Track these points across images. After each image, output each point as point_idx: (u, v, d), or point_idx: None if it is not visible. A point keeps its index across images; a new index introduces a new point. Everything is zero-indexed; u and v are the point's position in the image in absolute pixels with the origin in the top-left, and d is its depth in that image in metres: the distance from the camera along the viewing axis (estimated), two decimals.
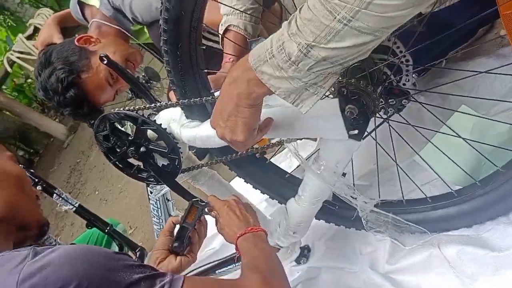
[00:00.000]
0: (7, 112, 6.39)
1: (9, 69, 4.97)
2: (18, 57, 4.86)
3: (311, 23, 0.66)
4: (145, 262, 1.12)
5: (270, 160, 1.30)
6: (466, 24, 1.11)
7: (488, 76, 1.26)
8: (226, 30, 1.37)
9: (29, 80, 6.18)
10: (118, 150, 1.21)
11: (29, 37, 4.92)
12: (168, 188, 1.27)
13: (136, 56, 1.68)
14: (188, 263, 1.09)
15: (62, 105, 1.56)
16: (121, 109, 1.12)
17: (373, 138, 1.15)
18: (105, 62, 1.20)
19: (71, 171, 4.33)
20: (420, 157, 1.17)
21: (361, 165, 1.43)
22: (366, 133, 1.02)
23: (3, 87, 5.71)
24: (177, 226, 1.12)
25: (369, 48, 0.68)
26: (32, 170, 1.73)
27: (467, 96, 1.23)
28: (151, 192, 1.47)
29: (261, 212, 1.38)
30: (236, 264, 1.45)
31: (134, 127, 1.15)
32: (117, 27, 1.67)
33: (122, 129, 1.19)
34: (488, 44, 1.43)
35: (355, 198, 1.15)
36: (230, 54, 1.36)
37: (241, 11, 1.34)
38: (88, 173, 4.13)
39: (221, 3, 1.36)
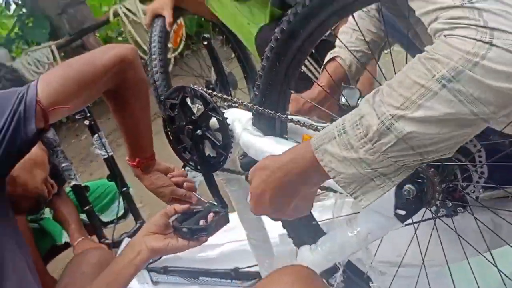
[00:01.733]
0: None
1: (111, 18, 5.24)
2: (124, 13, 5.14)
3: (401, 85, 0.59)
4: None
5: None
6: None
7: None
8: (331, 59, 1.39)
9: (120, 38, 6.47)
10: (177, 123, 1.24)
11: (143, 0, 5.19)
12: (201, 179, 1.28)
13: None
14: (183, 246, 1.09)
15: None
16: (200, 88, 1.15)
17: (414, 229, 1.12)
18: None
19: (114, 130, 4.43)
20: (450, 271, 1.13)
21: (386, 249, 1.39)
22: (410, 220, 1.01)
23: (96, 33, 5.98)
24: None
25: (459, 134, 0.59)
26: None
27: None
28: None
29: (271, 244, 1.36)
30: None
31: (202, 109, 1.17)
32: None
33: (191, 105, 1.21)
34: None
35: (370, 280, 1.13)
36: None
37: (353, 50, 1.36)
38: None
39: (338, 38, 1.39)
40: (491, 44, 0.54)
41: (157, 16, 1.85)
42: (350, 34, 1.34)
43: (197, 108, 1.21)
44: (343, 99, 1.14)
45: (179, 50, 4.99)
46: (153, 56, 1.80)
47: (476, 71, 0.54)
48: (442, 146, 0.61)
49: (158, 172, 1.34)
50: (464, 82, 0.55)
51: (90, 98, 1.12)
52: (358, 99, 1.12)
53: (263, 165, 0.86)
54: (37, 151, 1.43)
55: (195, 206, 1.19)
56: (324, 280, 1.29)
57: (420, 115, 0.57)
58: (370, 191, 0.67)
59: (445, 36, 0.57)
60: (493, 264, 1.03)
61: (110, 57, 1.08)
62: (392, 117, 0.59)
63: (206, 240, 1.10)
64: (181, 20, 2.99)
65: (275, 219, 0.94)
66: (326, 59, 1.40)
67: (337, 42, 1.40)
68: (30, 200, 1.39)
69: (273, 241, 1.58)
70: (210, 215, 1.12)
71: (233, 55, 2.65)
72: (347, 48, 1.31)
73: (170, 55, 4.55)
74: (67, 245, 1.81)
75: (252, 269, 1.50)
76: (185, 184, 1.33)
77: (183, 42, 4.77)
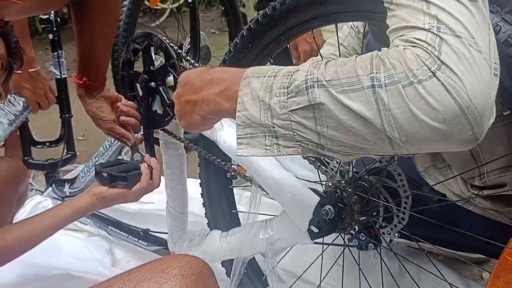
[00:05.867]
0: None
1: None
2: None
3: (343, 65, 0.60)
4: None
5: (233, 186, 1.27)
6: (469, 237, 1.11)
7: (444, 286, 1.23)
8: None
9: None
10: (134, 70, 1.20)
11: None
12: (141, 132, 1.24)
13: None
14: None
15: None
16: (167, 41, 1.12)
17: (322, 250, 1.13)
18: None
19: None
20: None
21: (293, 260, 1.39)
22: (321, 241, 1.01)
23: None
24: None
25: (361, 141, 0.59)
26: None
27: None
28: None
29: (187, 217, 1.34)
30: None
31: (163, 62, 1.14)
32: None
33: (153, 55, 1.17)
34: (467, 270, 1.43)
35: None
36: None
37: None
38: None
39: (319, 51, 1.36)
40: (434, 75, 0.53)
41: None
42: (336, 48, 1.33)
43: (159, 59, 1.18)
44: None
45: (179, 3, 4.82)
46: None
47: (407, 90, 0.54)
48: (340, 142, 0.60)
49: (104, 100, 1.22)
50: (391, 94, 0.55)
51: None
52: None
53: (188, 75, 0.81)
54: None
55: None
56: (225, 268, 1.29)
57: (339, 97, 0.58)
58: (255, 145, 0.66)
59: (403, 48, 0.56)
60: None
61: None
62: (317, 81, 0.59)
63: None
64: None
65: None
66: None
67: (322, 52, 1.38)
68: None
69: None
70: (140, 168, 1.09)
71: (227, 29, 2.62)
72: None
73: (168, 5, 4.38)
74: None
75: (162, 236, 1.48)
76: (129, 118, 1.19)
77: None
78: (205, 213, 1.28)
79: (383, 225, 1.00)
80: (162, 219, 1.43)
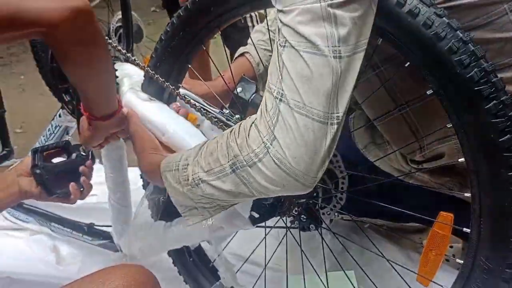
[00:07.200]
0: None
1: None
2: None
3: (212, 157, 0.76)
4: None
5: None
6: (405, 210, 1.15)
7: (384, 262, 1.28)
8: (241, 55, 1.36)
9: None
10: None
11: None
12: (75, 126, 1.20)
13: None
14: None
15: None
16: None
17: (265, 233, 1.14)
18: None
19: (19, 42, 4.08)
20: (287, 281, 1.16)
21: (240, 244, 1.40)
22: (263, 225, 1.02)
23: None
24: None
25: (247, 200, 0.84)
26: None
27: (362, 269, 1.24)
28: (59, 116, 1.39)
29: (130, 210, 1.32)
30: None
31: None
32: None
33: None
34: (408, 240, 1.48)
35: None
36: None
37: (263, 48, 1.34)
38: (32, 57, 3.90)
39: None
40: (268, 151, 0.68)
41: None
42: (264, 33, 1.32)
43: None
44: (239, 89, 1.11)
45: None
46: None
47: (253, 169, 0.70)
48: (237, 202, 0.83)
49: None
50: (246, 173, 0.71)
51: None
52: (253, 95, 1.10)
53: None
54: None
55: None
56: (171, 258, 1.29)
57: (215, 184, 0.75)
58: (194, 215, 0.84)
59: (252, 123, 0.71)
60: (325, 286, 1.08)
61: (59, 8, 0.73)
62: (200, 179, 0.77)
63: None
64: None
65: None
66: (237, 54, 1.37)
67: (252, 39, 1.37)
68: None
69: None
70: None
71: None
72: (254, 46, 1.29)
73: None
74: None
75: (107, 229, 1.45)
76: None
77: None
78: (148, 205, 1.26)
79: (322, 206, 1.02)
80: (106, 212, 1.39)
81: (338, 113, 0.67)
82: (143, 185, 1.26)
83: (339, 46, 0.65)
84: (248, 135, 0.71)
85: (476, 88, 0.73)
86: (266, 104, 0.70)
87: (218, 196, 0.77)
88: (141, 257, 1.21)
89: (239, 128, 0.74)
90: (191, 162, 0.80)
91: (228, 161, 0.73)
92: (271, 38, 1.26)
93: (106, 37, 1.07)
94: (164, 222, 1.17)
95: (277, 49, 0.69)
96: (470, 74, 0.73)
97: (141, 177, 1.24)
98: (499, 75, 0.75)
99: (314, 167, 0.68)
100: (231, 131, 0.75)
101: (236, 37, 1.80)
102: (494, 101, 0.73)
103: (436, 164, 1.12)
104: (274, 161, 0.68)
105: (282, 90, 0.67)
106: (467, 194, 0.83)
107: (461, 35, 0.73)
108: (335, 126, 0.68)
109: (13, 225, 1.63)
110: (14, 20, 0.70)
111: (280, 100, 0.67)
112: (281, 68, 0.68)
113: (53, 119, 1.42)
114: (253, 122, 0.71)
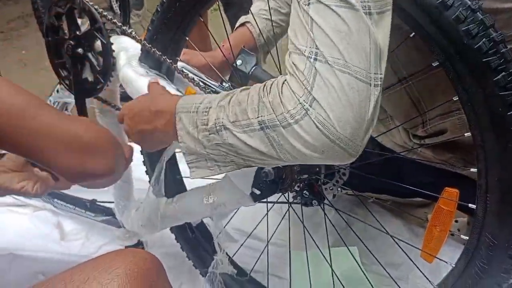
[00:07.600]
0: None
1: None
2: None
3: (240, 105, 0.68)
4: None
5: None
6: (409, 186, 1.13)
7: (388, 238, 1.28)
8: (242, 24, 1.32)
9: None
10: (59, 35, 1.11)
11: None
12: (73, 102, 1.18)
13: None
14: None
15: None
16: (90, 3, 1.04)
17: (266, 210, 1.13)
18: None
19: (19, 17, 4.03)
20: (290, 256, 1.16)
21: (243, 219, 1.40)
22: (265, 202, 1.01)
23: None
24: None
25: (272, 164, 0.70)
26: None
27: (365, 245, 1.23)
28: (57, 91, 1.36)
29: (132, 186, 1.31)
30: None
31: (89, 27, 1.06)
32: None
33: (78, 20, 1.09)
34: (413, 216, 1.47)
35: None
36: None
37: (264, 18, 1.30)
38: (33, 31, 3.85)
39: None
40: (307, 113, 0.60)
41: None
42: (266, 3, 1.27)
43: (84, 23, 1.10)
44: (238, 62, 1.08)
45: None
46: None
47: (288, 130, 0.62)
48: (257, 162, 0.71)
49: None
50: (277, 134, 0.64)
51: None
52: (253, 67, 1.07)
53: (133, 108, 0.90)
54: None
55: None
56: (174, 234, 1.29)
57: (241, 137, 0.68)
58: (201, 168, 0.76)
59: (283, 82, 0.64)
60: (327, 262, 1.07)
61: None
62: (223, 125, 0.69)
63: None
64: None
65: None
66: (238, 23, 1.32)
67: (252, 9, 1.33)
68: None
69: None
70: None
71: None
72: (253, 16, 1.25)
73: None
74: None
75: (109, 205, 1.44)
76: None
77: None
78: (149, 181, 1.25)
79: (325, 181, 1.00)
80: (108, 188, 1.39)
81: (379, 74, 0.61)
82: (143, 161, 1.24)
83: (368, 2, 0.60)
84: (282, 93, 0.63)
85: (484, 60, 0.70)
86: (295, 65, 0.62)
87: (241, 149, 0.69)
88: (143, 233, 1.21)
89: (271, 85, 0.66)
90: (214, 106, 0.71)
91: (257, 117, 0.65)
92: (272, 7, 1.22)
93: (102, 10, 1.04)
94: (165, 199, 1.16)
95: (300, 7, 0.62)
96: (478, 45, 0.70)
97: (141, 153, 1.23)
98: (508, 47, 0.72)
99: (361, 133, 0.61)
100: (263, 86, 0.68)
101: (236, 6, 1.75)
102: (503, 73, 0.70)
103: (438, 140, 1.09)
104: (315, 124, 0.60)
105: (317, 48, 0.60)
106: (473, 170, 0.81)
107: (469, 3, 0.70)
108: (378, 88, 0.61)
109: (17, 201, 1.63)
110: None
111: (315, 59, 0.60)
112: (311, 25, 0.61)
113: (51, 94, 1.40)
114: (285, 80, 0.64)
